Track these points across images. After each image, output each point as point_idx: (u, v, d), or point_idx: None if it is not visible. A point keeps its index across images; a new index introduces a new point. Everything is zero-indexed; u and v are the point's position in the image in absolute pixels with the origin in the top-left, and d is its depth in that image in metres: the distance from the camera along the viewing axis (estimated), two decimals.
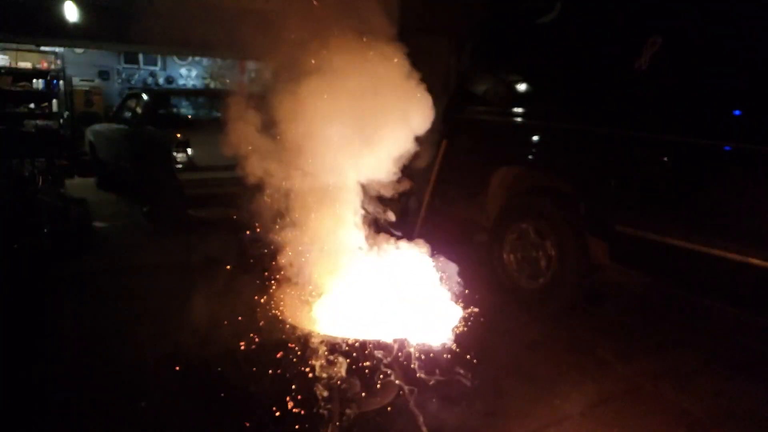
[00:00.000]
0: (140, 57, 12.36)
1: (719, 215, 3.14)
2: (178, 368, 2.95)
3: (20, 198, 5.49)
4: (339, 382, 2.21)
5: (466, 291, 2.47)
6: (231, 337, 2.72)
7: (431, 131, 2.55)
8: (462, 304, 2.40)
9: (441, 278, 2.48)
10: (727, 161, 3.13)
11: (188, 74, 12.86)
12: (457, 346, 2.27)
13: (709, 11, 3.28)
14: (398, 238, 2.60)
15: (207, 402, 2.74)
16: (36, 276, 4.63)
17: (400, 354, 2.17)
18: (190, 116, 7.89)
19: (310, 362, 2.21)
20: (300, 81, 2.27)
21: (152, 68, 12.57)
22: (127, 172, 7.71)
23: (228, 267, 3.21)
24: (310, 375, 2.22)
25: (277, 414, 2.45)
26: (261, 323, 2.44)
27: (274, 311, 2.38)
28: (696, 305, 3.95)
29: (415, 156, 2.58)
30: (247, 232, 2.77)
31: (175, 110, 8.04)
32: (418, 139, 2.52)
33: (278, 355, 2.39)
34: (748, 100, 3.03)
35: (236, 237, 4.03)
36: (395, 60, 2.32)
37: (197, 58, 12.58)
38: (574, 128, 3.96)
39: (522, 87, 4.70)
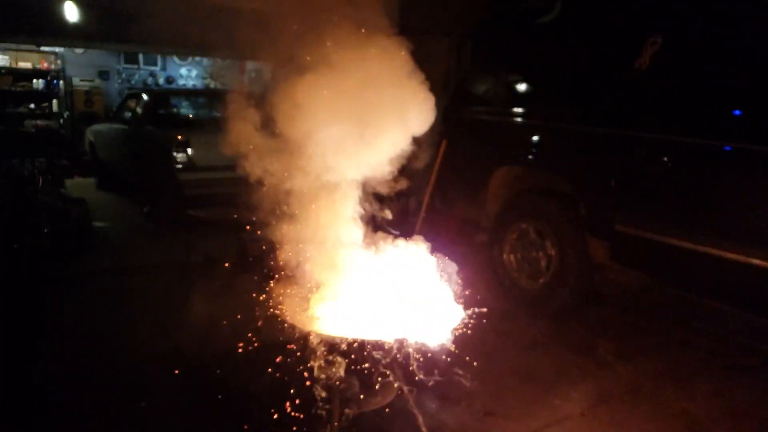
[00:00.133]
0: (140, 57, 12.35)
1: (719, 215, 3.14)
2: (178, 368, 2.95)
3: (20, 198, 5.49)
4: (338, 383, 2.21)
5: (466, 291, 2.47)
6: (230, 337, 2.72)
7: (431, 131, 2.55)
8: (462, 304, 2.40)
9: (441, 278, 2.48)
10: (727, 161, 3.13)
11: (188, 74, 12.86)
12: (457, 347, 2.26)
13: (709, 11, 3.28)
14: (396, 236, 2.60)
15: (207, 402, 2.74)
16: (36, 276, 4.63)
17: (398, 354, 2.16)
18: (190, 116, 7.89)
19: (309, 362, 2.21)
20: (299, 79, 2.27)
21: (152, 68, 12.56)
22: (127, 172, 7.71)
23: (228, 267, 3.21)
24: (309, 375, 2.22)
25: (276, 414, 2.45)
26: (260, 323, 2.43)
27: (273, 311, 2.38)
28: (696, 305, 3.96)
29: (415, 156, 2.58)
30: (247, 232, 2.77)
31: (175, 110, 8.04)
32: (418, 139, 2.52)
33: (277, 356, 2.39)
34: (748, 100, 3.04)
35: (236, 236, 4.04)
36: (395, 56, 2.32)
37: (197, 58, 12.57)
38: (574, 128, 3.96)
39: (522, 87, 4.70)
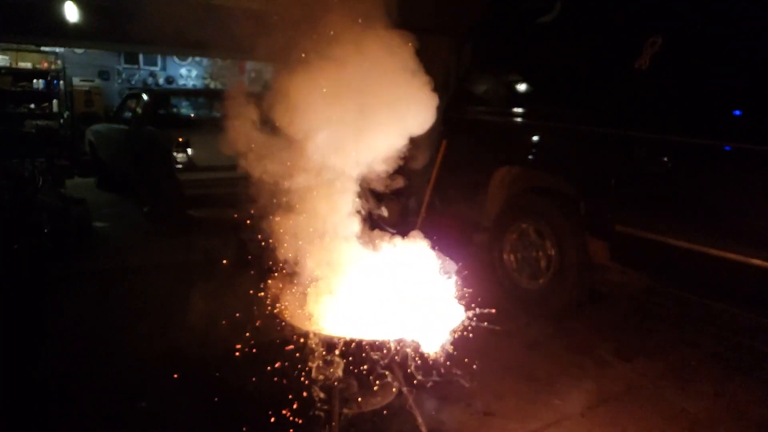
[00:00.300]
0: (140, 57, 12.35)
1: (719, 215, 3.14)
2: (177, 367, 2.95)
3: (20, 198, 5.49)
4: (337, 383, 2.20)
5: (466, 291, 2.47)
6: (230, 337, 2.72)
7: (431, 131, 2.54)
8: (461, 304, 2.39)
9: (440, 278, 2.48)
10: (727, 161, 3.12)
11: (188, 74, 12.86)
12: (456, 347, 2.26)
13: (709, 11, 3.27)
14: (392, 234, 2.60)
15: (206, 401, 2.74)
16: (36, 276, 4.63)
17: (397, 355, 2.16)
18: (190, 116, 7.89)
19: (308, 362, 2.20)
20: (299, 79, 2.27)
21: (152, 68, 12.56)
22: (127, 172, 7.71)
23: (227, 266, 3.21)
24: (307, 376, 2.22)
25: (276, 415, 2.45)
26: (258, 323, 2.44)
27: (272, 310, 2.38)
28: (696, 305, 3.96)
29: (415, 156, 2.57)
30: (246, 231, 2.77)
31: (175, 110, 8.04)
32: (419, 139, 2.52)
33: (276, 356, 2.39)
34: (748, 100, 3.03)
35: (236, 236, 4.04)
36: (395, 55, 2.32)
37: (197, 58, 12.57)
38: (574, 128, 3.96)
39: (522, 87, 4.70)
